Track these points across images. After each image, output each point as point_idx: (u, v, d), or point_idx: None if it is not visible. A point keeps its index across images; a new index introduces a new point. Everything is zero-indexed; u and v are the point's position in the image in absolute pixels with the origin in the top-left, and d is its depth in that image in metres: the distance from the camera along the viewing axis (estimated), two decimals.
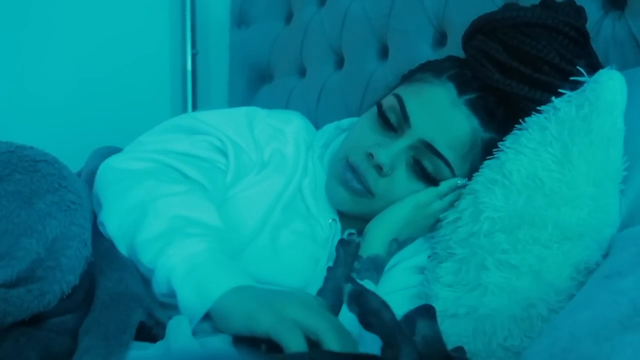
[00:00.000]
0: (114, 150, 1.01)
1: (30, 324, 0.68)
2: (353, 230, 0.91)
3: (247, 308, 0.67)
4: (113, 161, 0.88)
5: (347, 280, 0.61)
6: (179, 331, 0.69)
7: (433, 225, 0.92)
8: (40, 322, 0.69)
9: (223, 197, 0.90)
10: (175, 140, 0.90)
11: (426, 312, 0.59)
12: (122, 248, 0.80)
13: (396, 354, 0.56)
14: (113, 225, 0.80)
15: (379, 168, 0.88)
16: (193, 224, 0.77)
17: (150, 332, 0.77)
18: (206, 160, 0.90)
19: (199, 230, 0.77)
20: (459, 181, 0.89)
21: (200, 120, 0.93)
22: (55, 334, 0.69)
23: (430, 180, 0.89)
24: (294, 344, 0.63)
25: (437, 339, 0.58)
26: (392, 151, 0.88)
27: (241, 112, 0.98)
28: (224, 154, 0.91)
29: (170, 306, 0.84)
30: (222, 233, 0.79)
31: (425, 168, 0.89)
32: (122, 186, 0.83)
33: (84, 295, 0.73)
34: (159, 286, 0.74)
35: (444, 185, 0.89)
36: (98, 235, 0.82)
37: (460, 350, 0.65)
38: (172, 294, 0.73)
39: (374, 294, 0.59)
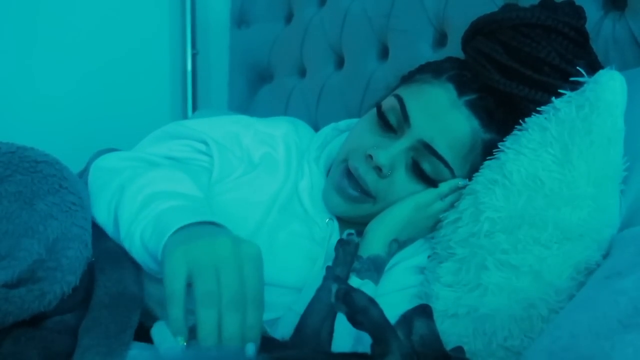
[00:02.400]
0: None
1: (30, 323, 0.68)
2: (352, 231, 0.91)
3: (169, 243, 0.67)
4: (100, 161, 0.91)
5: (335, 281, 0.61)
6: (163, 335, 0.67)
7: (433, 226, 0.92)
8: (41, 322, 0.69)
9: (208, 194, 0.91)
10: (156, 145, 0.94)
11: (423, 311, 0.59)
12: (110, 232, 0.81)
13: (385, 349, 0.56)
14: (101, 214, 0.83)
15: (378, 169, 0.88)
16: (164, 195, 0.78)
17: (149, 332, 0.77)
18: (185, 161, 0.93)
19: (169, 197, 0.77)
20: (460, 182, 0.89)
21: (185, 127, 0.96)
22: (56, 333, 0.69)
23: (430, 181, 0.89)
24: (169, 282, 0.62)
25: (434, 338, 0.58)
26: (392, 152, 0.88)
27: (229, 120, 1.00)
28: (207, 155, 0.94)
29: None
30: (191, 198, 0.79)
31: (424, 169, 0.88)
32: (105, 179, 0.86)
33: (84, 294, 0.74)
34: (136, 251, 0.75)
35: (445, 186, 0.89)
36: (99, 235, 0.83)
37: (459, 350, 0.65)
38: (146, 254, 0.73)
39: (360, 292, 0.60)
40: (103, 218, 0.82)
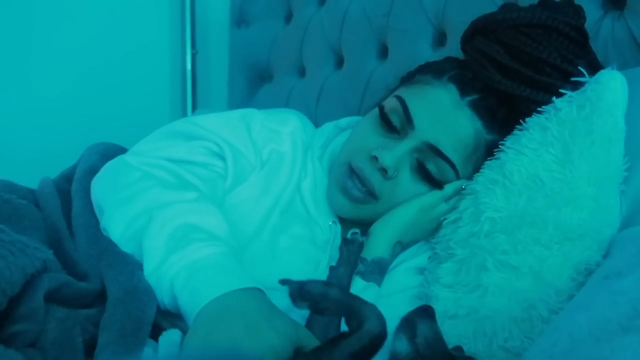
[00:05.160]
0: (110, 147, 0.99)
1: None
2: (357, 230, 0.91)
3: (214, 319, 0.67)
4: (119, 164, 0.87)
5: (283, 283, 0.60)
6: (168, 340, 0.69)
7: (436, 229, 0.91)
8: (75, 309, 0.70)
9: (221, 203, 0.90)
10: (172, 147, 0.89)
11: (425, 312, 0.59)
12: (124, 247, 0.79)
13: (360, 319, 0.56)
14: (117, 231, 0.80)
15: (383, 171, 0.87)
16: (197, 230, 0.76)
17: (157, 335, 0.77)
18: (204, 166, 0.89)
19: (203, 236, 0.75)
20: (465, 184, 0.89)
21: (197, 125, 0.92)
22: (93, 325, 0.69)
23: (435, 182, 0.88)
24: None
25: (438, 340, 0.58)
26: (396, 154, 0.87)
27: (238, 115, 0.97)
28: (222, 159, 0.91)
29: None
30: (227, 239, 0.78)
31: (429, 170, 0.88)
32: (126, 194, 0.82)
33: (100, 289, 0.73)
34: (162, 294, 0.73)
35: (449, 188, 0.89)
36: (101, 234, 0.82)
37: (458, 349, 0.65)
38: (174, 302, 0.72)
39: (313, 282, 0.59)
40: (116, 237, 0.79)
